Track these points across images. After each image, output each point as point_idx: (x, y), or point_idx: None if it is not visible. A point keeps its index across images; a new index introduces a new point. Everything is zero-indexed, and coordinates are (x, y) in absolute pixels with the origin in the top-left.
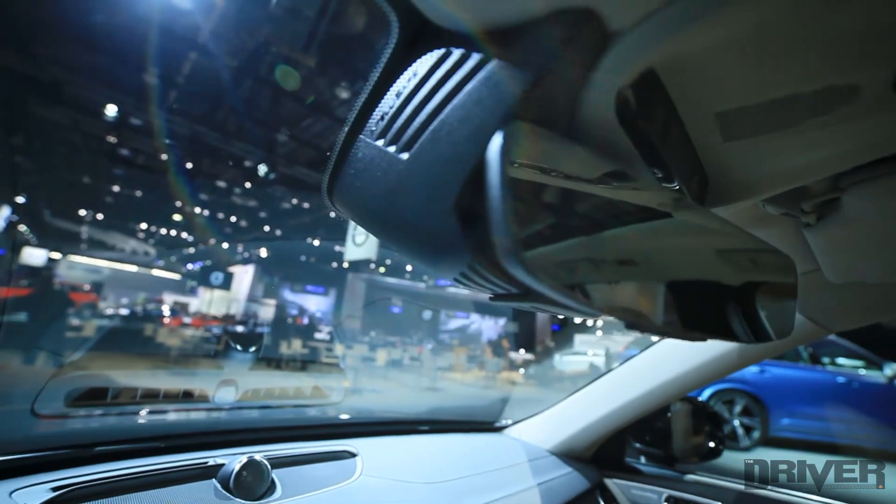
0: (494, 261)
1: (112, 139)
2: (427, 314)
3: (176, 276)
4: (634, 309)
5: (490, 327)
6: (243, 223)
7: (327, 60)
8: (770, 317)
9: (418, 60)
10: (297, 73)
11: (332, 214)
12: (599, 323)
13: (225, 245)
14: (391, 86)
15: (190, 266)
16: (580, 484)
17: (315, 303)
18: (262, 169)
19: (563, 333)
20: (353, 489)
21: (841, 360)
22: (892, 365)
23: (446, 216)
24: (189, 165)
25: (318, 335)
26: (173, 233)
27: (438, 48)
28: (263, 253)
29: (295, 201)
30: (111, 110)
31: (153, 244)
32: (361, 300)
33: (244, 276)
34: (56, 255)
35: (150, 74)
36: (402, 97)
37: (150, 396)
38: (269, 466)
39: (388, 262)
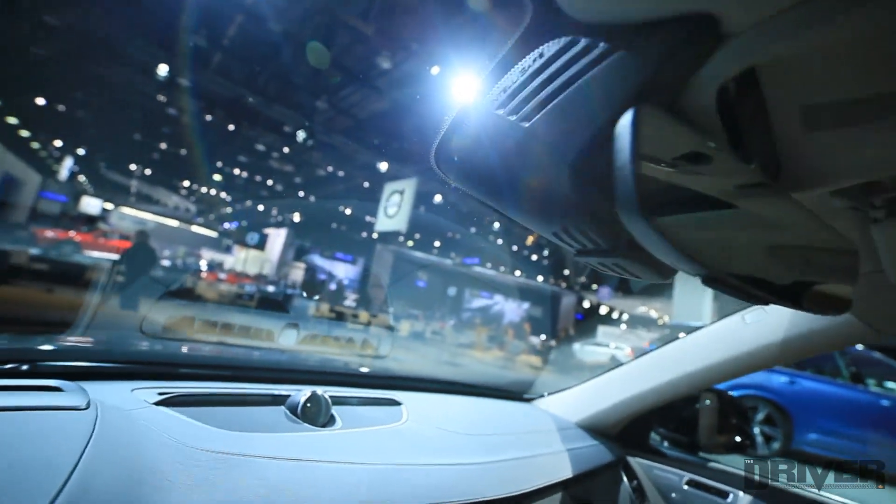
0: (598, 217)
1: (162, 98)
2: (451, 290)
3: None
4: (717, 269)
5: (513, 310)
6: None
7: (376, 31)
8: (826, 296)
9: (547, 43)
10: (342, 43)
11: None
12: (625, 316)
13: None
14: (516, 63)
15: (227, 227)
16: (605, 456)
17: (346, 270)
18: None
19: (587, 323)
20: (401, 430)
21: (891, 384)
22: None
23: (561, 177)
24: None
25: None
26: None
27: (567, 35)
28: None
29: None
30: (162, 70)
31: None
32: (389, 270)
33: (280, 240)
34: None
35: (199, 36)
36: (528, 73)
37: (227, 329)
38: (329, 401)
39: (417, 236)
